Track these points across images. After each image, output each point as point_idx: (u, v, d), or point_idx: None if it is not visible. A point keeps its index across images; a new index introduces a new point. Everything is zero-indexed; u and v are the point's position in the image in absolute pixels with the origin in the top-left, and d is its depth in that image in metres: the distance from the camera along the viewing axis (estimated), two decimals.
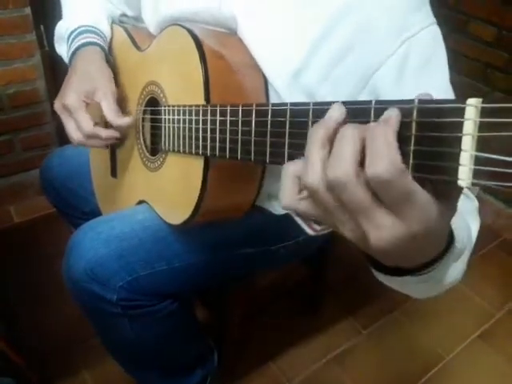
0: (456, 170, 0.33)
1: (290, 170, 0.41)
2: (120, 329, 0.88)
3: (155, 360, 0.98)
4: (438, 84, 0.66)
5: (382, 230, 0.37)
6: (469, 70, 1.75)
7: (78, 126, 0.80)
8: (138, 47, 0.91)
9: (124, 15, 1.03)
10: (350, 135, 0.37)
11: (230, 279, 1.04)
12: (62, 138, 1.82)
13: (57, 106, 0.82)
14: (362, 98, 0.67)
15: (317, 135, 0.38)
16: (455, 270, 0.53)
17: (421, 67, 0.65)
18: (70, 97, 0.80)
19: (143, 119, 0.89)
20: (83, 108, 0.81)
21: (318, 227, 0.98)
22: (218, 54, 0.70)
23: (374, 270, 0.50)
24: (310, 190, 0.39)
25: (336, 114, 0.39)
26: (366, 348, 1.45)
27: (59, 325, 1.40)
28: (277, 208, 0.90)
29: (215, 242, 0.90)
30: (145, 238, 0.85)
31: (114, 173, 1.02)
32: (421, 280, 0.48)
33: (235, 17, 0.73)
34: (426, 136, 0.35)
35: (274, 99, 0.73)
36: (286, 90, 0.70)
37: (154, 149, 0.89)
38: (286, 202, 0.41)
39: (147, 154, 0.89)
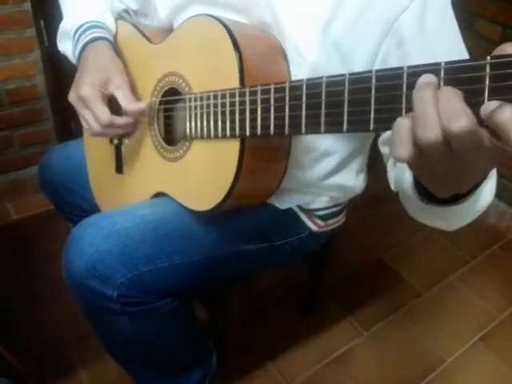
0: None
1: (407, 124, 0.43)
2: (119, 326, 0.87)
3: (154, 358, 0.98)
4: (456, 30, 0.70)
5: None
6: None
7: (95, 116, 0.81)
8: (148, 40, 0.90)
9: (125, 11, 1.02)
10: (451, 93, 0.41)
11: (232, 277, 1.03)
12: (61, 135, 1.82)
13: (72, 97, 0.83)
14: (386, 44, 0.70)
15: (427, 95, 0.42)
16: (489, 191, 0.61)
17: (439, 12, 0.68)
18: (86, 88, 0.81)
19: (158, 110, 0.89)
20: (99, 99, 0.81)
21: (321, 223, 0.99)
22: (246, 41, 0.72)
23: (433, 204, 0.58)
24: (425, 145, 0.42)
25: (431, 77, 0.43)
26: (367, 349, 1.44)
27: (57, 324, 1.39)
28: (282, 202, 0.90)
29: (218, 239, 0.90)
30: (147, 234, 0.84)
31: (119, 169, 1.01)
32: (469, 204, 0.56)
33: None
34: (500, 87, 0.39)
35: (303, 73, 0.73)
36: (316, 50, 0.72)
37: (169, 139, 0.88)
38: (403, 153, 0.43)
39: (165, 145, 0.88)
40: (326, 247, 1.24)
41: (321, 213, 0.96)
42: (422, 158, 0.43)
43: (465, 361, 1.41)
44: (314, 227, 0.97)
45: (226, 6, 0.79)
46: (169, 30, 0.90)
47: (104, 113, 0.81)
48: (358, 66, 0.71)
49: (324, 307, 1.52)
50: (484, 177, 0.53)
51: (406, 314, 1.55)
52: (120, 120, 0.83)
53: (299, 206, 0.94)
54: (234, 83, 0.69)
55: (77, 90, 0.82)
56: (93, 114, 0.81)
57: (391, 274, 1.67)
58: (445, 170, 0.45)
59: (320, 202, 0.94)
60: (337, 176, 0.88)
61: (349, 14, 0.70)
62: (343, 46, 0.71)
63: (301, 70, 0.74)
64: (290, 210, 0.93)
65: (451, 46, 0.70)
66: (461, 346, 1.46)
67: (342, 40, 0.71)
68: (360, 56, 0.71)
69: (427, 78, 0.42)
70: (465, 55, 0.69)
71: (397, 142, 0.43)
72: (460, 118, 0.39)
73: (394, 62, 0.69)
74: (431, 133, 0.41)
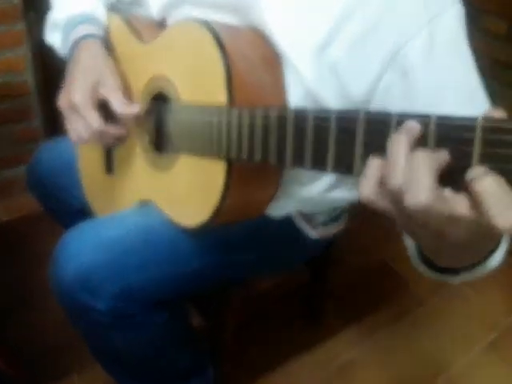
0: None
1: (377, 163, 0.43)
2: (111, 340, 0.85)
3: (147, 370, 0.95)
4: (467, 61, 0.65)
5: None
6: (479, 65, 1.69)
7: (86, 124, 0.78)
8: (139, 38, 0.87)
9: (119, 0, 0.98)
10: (422, 164, 0.39)
11: (228, 284, 1.01)
12: (50, 132, 1.78)
13: (62, 103, 0.80)
14: (388, 76, 0.65)
15: (403, 140, 0.41)
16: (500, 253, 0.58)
17: (450, 42, 0.64)
18: (77, 93, 0.79)
19: (148, 115, 0.86)
20: (90, 105, 0.79)
21: (321, 228, 0.94)
22: (236, 48, 0.68)
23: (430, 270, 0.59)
24: (391, 191, 0.41)
25: (415, 126, 0.41)
26: (370, 358, 1.41)
27: (47, 327, 1.36)
28: (279, 210, 0.87)
29: (211, 247, 0.87)
30: (136, 244, 0.82)
31: (109, 170, 0.99)
32: (475, 272, 0.56)
33: None
34: (490, 153, 0.37)
35: (297, 89, 0.70)
36: (310, 70, 0.68)
37: (159, 146, 0.86)
38: (368, 196, 0.43)
39: (154, 152, 0.86)
40: (328, 249, 1.21)
41: (321, 218, 0.93)
42: (396, 210, 0.42)
43: (471, 368, 1.39)
44: (313, 233, 0.93)
45: (217, 6, 0.76)
46: (161, 24, 0.88)
47: (96, 120, 0.78)
48: (357, 91, 0.67)
49: (326, 314, 1.49)
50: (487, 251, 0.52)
51: (410, 321, 1.53)
52: (112, 129, 0.81)
53: (298, 211, 0.91)
54: (222, 96, 0.66)
55: (68, 96, 0.79)
56: (83, 121, 0.79)
57: (394, 277, 1.65)
58: (427, 235, 0.43)
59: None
60: (337, 189, 0.84)
61: (350, 37, 0.66)
62: (341, 69, 0.67)
63: (295, 87, 0.70)
64: (287, 217, 0.89)
65: (461, 80, 0.65)
66: (466, 353, 1.43)
67: (341, 63, 0.67)
68: (359, 82, 0.66)
69: (410, 124, 0.41)
70: (476, 90, 0.64)
71: (363, 179, 0.43)
72: (418, 195, 0.38)
73: (397, 93, 0.65)
74: (399, 179, 0.40)
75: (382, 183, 0.42)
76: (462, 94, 0.63)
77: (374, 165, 0.43)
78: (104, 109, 0.81)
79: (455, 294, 1.61)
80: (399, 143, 0.41)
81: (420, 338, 1.47)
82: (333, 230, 0.97)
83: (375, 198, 0.43)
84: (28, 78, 1.69)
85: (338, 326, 1.48)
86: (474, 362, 1.41)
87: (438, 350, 1.44)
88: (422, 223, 0.41)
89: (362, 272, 1.66)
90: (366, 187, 0.43)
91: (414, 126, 0.41)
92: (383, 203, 0.43)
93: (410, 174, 0.39)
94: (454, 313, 1.56)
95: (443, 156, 0.39)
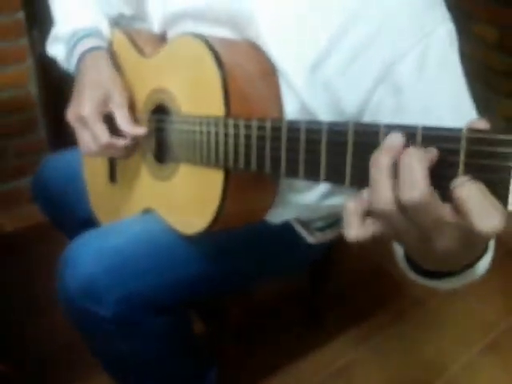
0: (506, 197, 0.37)
1: (353, 205, 0.43)
2: (115, 345, 0.86)
3: (151, 376, 0.96)
4: (458, 79, 0.66)
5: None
6: (471, 73, 1.71)
7: (94, 137, 0.80)
8: (140, 52, 0.89)
9: (121, 15, 1.00)
10: (415, 161, 0.40)
11: (228, 291, 1.02)
12: (55, 145, 1.80)
13: (71, 116, 0.82)
14: (381, 91, 0.66)
15: (383, 163, 0.41)
16: (486, 261, 0.58)
17: (441, 61, 0.65)
18: (86, 107, 0.80)
19: (149, 126, 0.88)
20: (98, 119, 0.81)
21: (319, 234, 0.95)
22: (233, 61, 0.70)
23: (419, 276, 0.59)
24: (382, 215, 0.42)
25: (397, 140, 0.42)
26: (369, 360, 1.41)
27: (52, 335, 1.37)
28: (277, 217, 0.88)
29: (211, 253, 0.88)
30: (138, 251, 0.84)
31: (113, 178, 1.00)
32: (462, 278, 0.56)
33: (251, 10, 0.72)
34: (475, 163, 0.38)
35: (291, 102, 0.72)
36: (304, 86, 0.70)
37: (161, 156, 0.87)
38: (356, 235, 0.43)
39: (155, 163, 0.87)
40: (328, 256, 1.22)
41: (318, 224, 0.94)
42: (382, 224, 0.43)
43: (470, 369, 1.39)
44: (310, 239, 0.94)
45: (215, 21, 0.78)
46: (162, 38, 0.90)
47: (103, 133, 0.80)
48: (349, 106, 0.69)
49: (324, 316, 1.49)
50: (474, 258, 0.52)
51: (408, 323, 1.52)
52: (119, 142, 0.82)
53: (295, 217, 0.92)
54: (219, 108, 0.68)
55: (76, 109, 0.81)
56: (91, 134, 0.80)
57: (393, 279, 1.64)
58: (414, 242, 0.43)
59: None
60: (333, 197, 0.85)
61: (344, 54, 0.67)
62: (334, 85, 0.68)
63: (290, 101, 0.72)
64: (285, 223, 0.90)
65: (452, 98, 0.66)
66: (464, 355, 1.43)
67: (334, 80, 0.68)
68: (351, 98, 0.68)
69: (391, 141, 0.42)
70: (467, 108, 0.65)
71: (345, 224, 0.43)
72: (412, 190, 0.39)
73: (388, 108, 0.66)
74: (382, 202, 0.41)
75: (366, 215, 0.42)
76: (453, 112, 0.63)
77: (350, 207, 0.43)
78: (110, 121, 0.83)
79: (453, 295, 1.60)
80: (381, 167, 0.41)
81: (419, 340, 1.47)
82: (330, 235, 0.98)
83: (364, 234, 0.43)
84: (32, 91, 1.71)
85: (337, 328, 1.48)
86: (473, 364, 1.41)
87: (437, 351, 1.44)
88: (411, 222, 0.41)
89: (360, 274, 1.66)
90: (351, 230, 0.43)
91: (395, 143, 0.41)
92: (373, 231, 0.43)
93: (402, 171, 0.39)
94: (453, 314, 1.56)
95: (432, 153, 0.40)
